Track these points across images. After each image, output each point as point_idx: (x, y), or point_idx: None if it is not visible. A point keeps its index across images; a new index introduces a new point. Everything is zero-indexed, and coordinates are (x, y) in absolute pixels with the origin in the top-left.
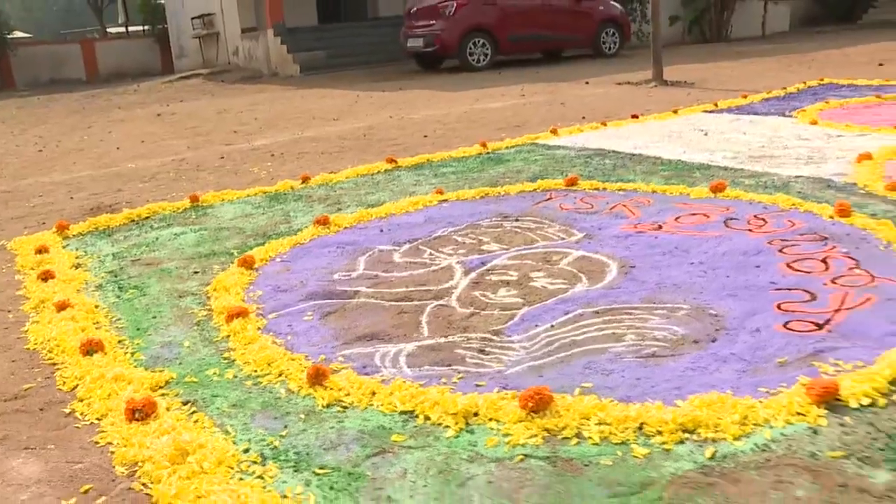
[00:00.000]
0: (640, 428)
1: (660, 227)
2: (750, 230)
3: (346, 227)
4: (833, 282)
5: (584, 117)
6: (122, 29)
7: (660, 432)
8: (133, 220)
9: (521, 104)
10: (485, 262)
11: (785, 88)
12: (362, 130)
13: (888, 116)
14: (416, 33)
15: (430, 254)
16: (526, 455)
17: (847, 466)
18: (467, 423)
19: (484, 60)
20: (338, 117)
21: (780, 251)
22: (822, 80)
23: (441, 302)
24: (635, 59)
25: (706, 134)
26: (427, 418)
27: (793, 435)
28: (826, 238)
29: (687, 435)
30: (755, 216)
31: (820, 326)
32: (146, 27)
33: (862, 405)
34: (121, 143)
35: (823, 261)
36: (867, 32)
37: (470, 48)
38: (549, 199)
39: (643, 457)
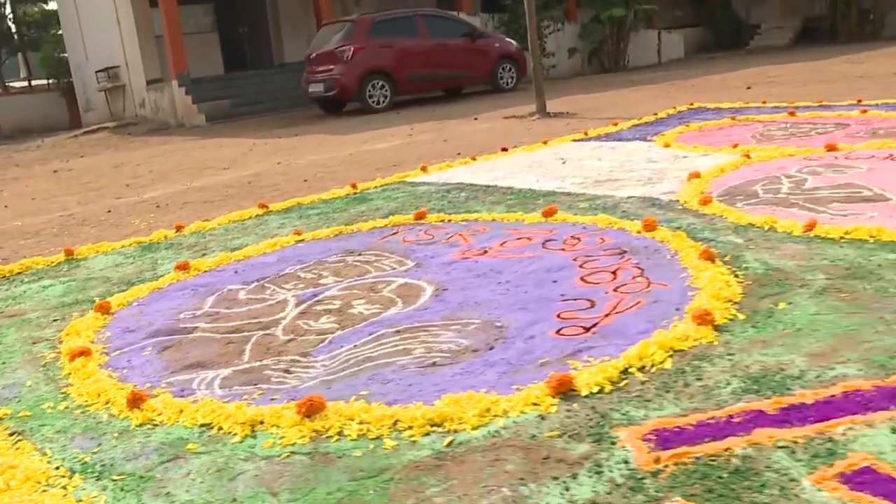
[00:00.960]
0: (395, 424)
1: (485, 252)
2: (563, 249)
3: (204, 271)
4: (615, 290)
5: (459, 153)
6: (26, 83)
7: (410, 427)
8: (4, 276)
9: (407, 144)
10: (316, 294)
11: (656, 114)
12: (248, 178)
13: (734, 137)
14: (316, 78)
15: (272, 290)
16: (292, 452)
17: (557, 443)
18: (253, 430)
19: (384, 102)
20: (229, 166)
21: (580, 266)
22: (691, 104)
23: (268, 331)
24: (531, 91)
25: (564, 162)
26: (220, 428)
27: (523, 422)
28: (625, 251)
29: (434, 428)
30: (571, 236)
31: (587, 330)
32: (50, 81)
33: (592, 392)
34: (11, 202)
35: (614, 272)
36: (751, 57)
37: (369, 90)
38: (395, 233)
39: (391, 448)
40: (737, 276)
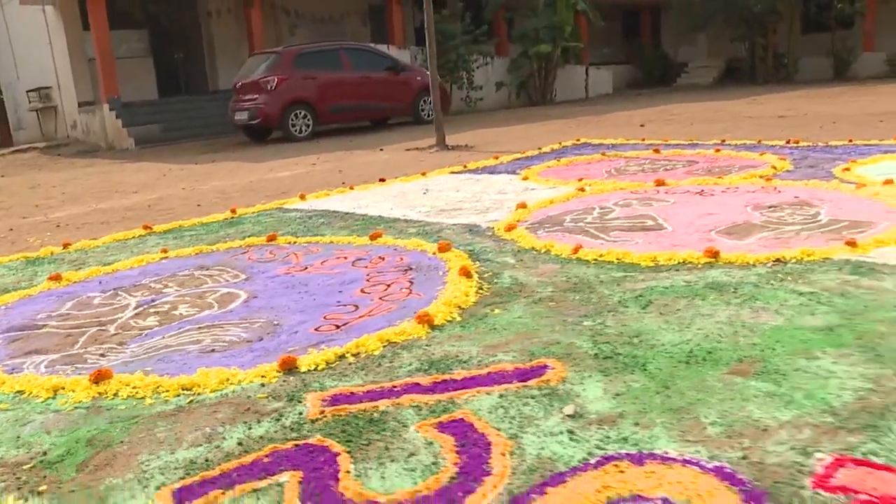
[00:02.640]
0: (157, 388)
1: (306, 268)
2: (365, 267)
3: (74, 282)
4: (380, 299)
5: (343, 182)
6: None
7: (167, 391)
8: None
9: (307, 172)
10: (155, 300)
11: (540, 148)
12: (150, 202)
13: (589, 172)
14: (242, 107)
15: (123, 297)
16: (76, 407)
17: (262, 402)
18: (55, 394)
19: (306, 130)
20: (138, 190)
21: (366, 279)
22: (578, 140)
23: (103, 328)
24: (453, 123)
25: (425, 193)
26: (30, 393)
27: (248, 388)
28: (411, 269)
29: (184, 391)
30: (379, 256)
31: (338, 328)
32: None
33: (309, 370)
34: None
35: (389, 285)
36: (673, 94)
37: (292, 119)
38: (245, 252)
39: (148, 404)
40: (483, 288)
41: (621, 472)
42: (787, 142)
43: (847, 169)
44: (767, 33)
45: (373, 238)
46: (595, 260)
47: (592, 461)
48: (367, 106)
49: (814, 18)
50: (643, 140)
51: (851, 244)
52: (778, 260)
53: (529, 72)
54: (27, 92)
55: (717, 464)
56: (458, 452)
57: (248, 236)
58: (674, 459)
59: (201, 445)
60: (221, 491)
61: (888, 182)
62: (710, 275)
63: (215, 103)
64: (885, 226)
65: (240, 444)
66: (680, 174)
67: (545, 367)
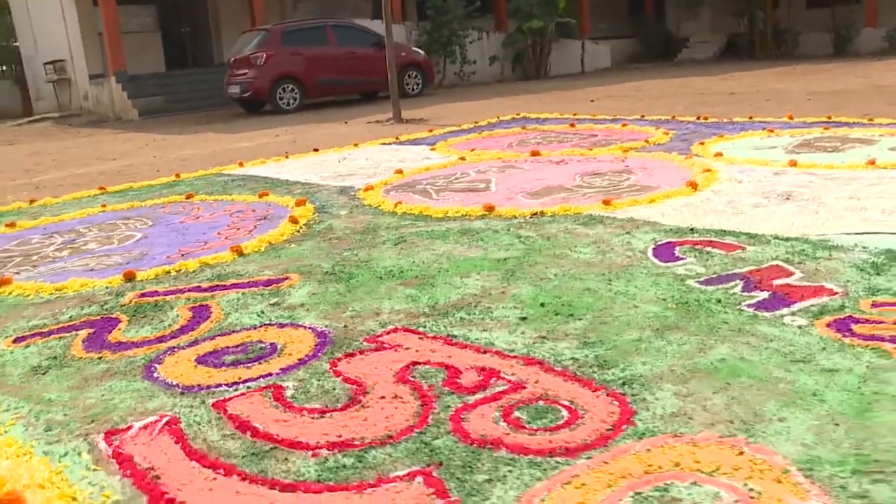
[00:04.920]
0: (38, 290)
1: (197, 218)
2: (237, 216)
3: (26, 228)
4: (225, 237)
5: (286, 152)
6: None
7: (44, 291)
8: None
9: (265, 143)
10: (75, 240)
11: (476, 122)
12: (121, 168)
13: (492, 144)
14: (234, 81)
15: (55, 238)
16: None
17: (101, 296)
18: None
19: (294, 104)
20: (116, 158)
21: (229, 225)
22: (518, 114)
23: (29, 257)
24: (435, 97)
25: (339, 161)
26: None
27: (97, 289)
28: (266, 217)
29: (56, 291)
30: (252, 209)
31: (183, 255)
32: (4, 69)
33: (143, 280)
34: None
35: (239, 228)
36: (671, 69)
37: (280, 93)
38: (164, 207)
39: (28, 298)
40: (299, 231)
41: (276, 329)
42: (672, 117)
43: (702, 144)
44: (767, 7)
45: (260, 196)
46: (403, 212)
47: (259, 326)
48: (353, 80)
49: None
50: (575, 115)
51: (607, 202)
52: (536, 213)
53: (524, 46)
54: (44, 64)
55: (320, 328)
56: (189, 319)
57: (180, 195)
58: (305, 327)
59: (47, 318)
60: (42, 338)
61: (717, 154)
62: (473, 224)
63: (218, 76)
64: (660, 191)
65: (70, 318)
66: (566, 146)
67: (286, 278)
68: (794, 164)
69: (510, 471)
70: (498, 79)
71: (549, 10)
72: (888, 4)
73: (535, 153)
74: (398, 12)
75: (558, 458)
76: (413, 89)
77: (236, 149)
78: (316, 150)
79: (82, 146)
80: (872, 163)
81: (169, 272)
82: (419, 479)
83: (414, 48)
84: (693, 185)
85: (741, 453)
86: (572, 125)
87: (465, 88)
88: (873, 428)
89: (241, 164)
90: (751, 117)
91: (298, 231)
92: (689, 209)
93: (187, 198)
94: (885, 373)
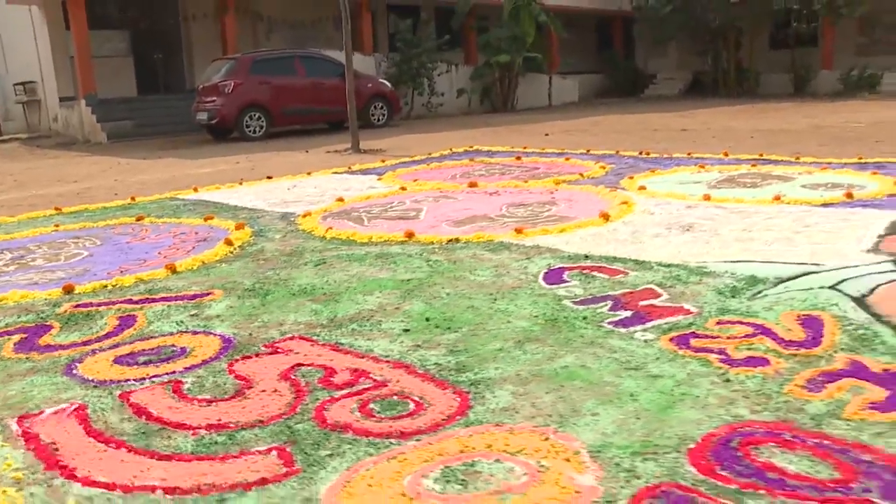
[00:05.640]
0: None
1: (143, 239)
2: (180, 238)
3: None
4: (164, 256)
5: (241, 179)
6: None
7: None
8: None
9: (224, 170)
10: (24, 256)
11: (430, 153)
12: (81, 190)
13: (438, 175)
14: (202, 108)
15: (5, 254)
16: None
17: (40, 306)
18: None
19: (260, 132)
20: (78, 180)
21: (170, 246)
22: (471, 146)
23: None
24: (400, 127)
25: (289, 189)
26: None
27: (37, 300)
28: (205, 239)
29: None
30: (194, 231)
31: (122, 272)
32: None
33: (81, 293)
34: None
35: (178, 249)
36: (637, 104)
37: (247, 121)
38: (114, 228)
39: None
40: (232, 252)
41: (190, 336)
42: (616, 152)
43: (631, 178)
44: (730, 47)
45: (206, 219)
46: (331, 237)
47: (175, 333)
48: (319, 110)
49: (781, 35)
50: (524, 148)
51: (519, 231)
52: (452, 240)
53: (492, 80)
54: (14, 85)
55: (228, 335)
56: (115, 326)
57: (131, 217)
58: (215, 334)
59: None
60: None
61: (641, 188)
62: (391, 249)
63: (188, 102)
64: (574, 221)
65: (6, 325)
66: (506, 178)
67: (210, 293)
68: (707, 198)
69: (350, 448)
70: (465, 111)
71: (518, 45)
72: (843, 48)
73: (472, 184)
74: (369, 44)
75: (392, 440)
76: (378, 120)
77: (195, 174)
78: (269, 177)
79: (46, 168)
80: (778, 198)
81: (106, 286)
82: (274, 452)
83: (381, 80)
84: (605, 217)
85: (546, 439)
86: (518, 158)
87: (430, 120)
88: (668, 421)
89: (195, 190)
90: (689, 153)
91: (232, 252)
92: (594, 238)
93: (138, 220)
94: (699, 378)
